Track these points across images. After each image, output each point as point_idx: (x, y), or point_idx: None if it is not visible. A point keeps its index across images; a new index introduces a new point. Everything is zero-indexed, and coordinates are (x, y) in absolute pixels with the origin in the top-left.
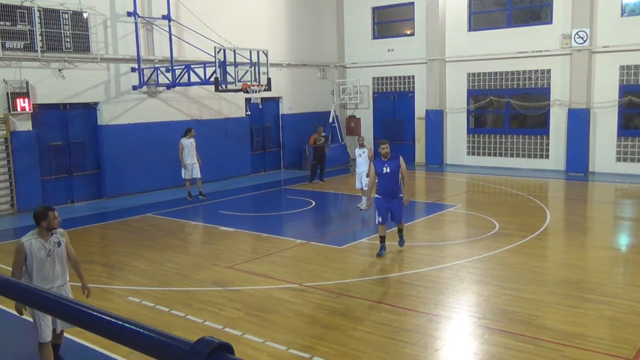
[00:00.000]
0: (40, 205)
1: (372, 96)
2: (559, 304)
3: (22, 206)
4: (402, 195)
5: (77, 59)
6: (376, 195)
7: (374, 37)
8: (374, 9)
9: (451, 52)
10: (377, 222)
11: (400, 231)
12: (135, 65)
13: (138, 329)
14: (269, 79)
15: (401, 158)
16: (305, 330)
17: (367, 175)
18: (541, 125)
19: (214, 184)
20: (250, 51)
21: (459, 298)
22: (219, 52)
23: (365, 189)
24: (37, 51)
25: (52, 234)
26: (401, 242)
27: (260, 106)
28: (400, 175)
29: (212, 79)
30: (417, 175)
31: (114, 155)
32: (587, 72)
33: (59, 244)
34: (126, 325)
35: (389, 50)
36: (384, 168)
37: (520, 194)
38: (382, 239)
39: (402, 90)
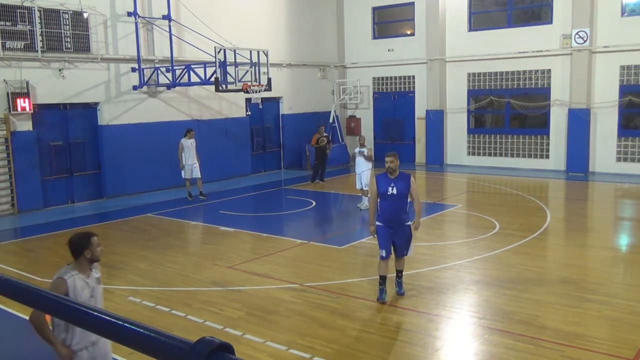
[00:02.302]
0: (79, 232)
1: (373, 96)
2: (559, 304)
3: (22, 206)
4: (409, 223)
5: (78, 59)
6: (377, 223)
7: (374, 37)
8: (374, 9)
9: (451, 52)
10: (379, 257)
11: (399, 274)
12: (136, 65)
13: (138, 329)
14: (269, 79)
15: (412, 178)
16: (305, 330)
17: (366, 190)
18: (541, 125)
19: (215, 184)
20: (251, 51)
21: (459, 298)
22: (219, 52)
23: (365, 188)
24: (37, 51)
25: (91, 268)
26: (399, 288)
27: (261, 106)
28: (409, 199)
29: (213, 79)
30: (417, 175)
31: (114, 155)
32: (587, 72)
33: (99, 280)
34: (126, 325)
35: (389, 50)
36: (390, 188)
37: (521, 194)
38: (383, 279)
39: (402, 90)
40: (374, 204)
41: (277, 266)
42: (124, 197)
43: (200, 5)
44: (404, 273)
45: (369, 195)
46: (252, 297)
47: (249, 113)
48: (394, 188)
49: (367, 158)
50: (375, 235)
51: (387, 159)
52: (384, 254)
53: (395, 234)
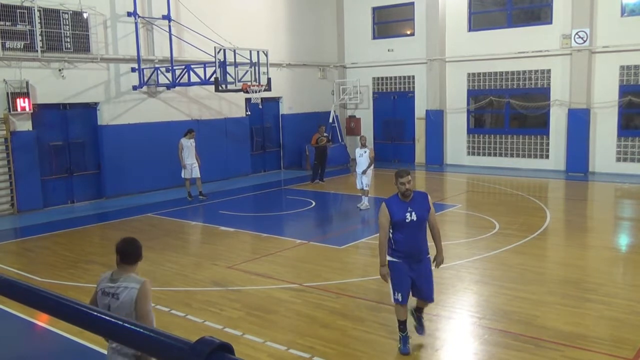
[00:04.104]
0: (128, 238)
1: (372, 96)
2: (559, 304)
3: (22, 206)
4: (430, 255)
5: (77, 59)
6: (391, 259)
7: (374, 37)
8: (374, 9)
9: (451, 52)
10: (394, 301)
11: (420, 310)
12: (135, 65)
13: (138, 329)
14: (269, 79)
15: (429, 197)
16: (305, 330)
17: (366, 190)
18: (541, 125)
19: (214, 184)
20: (250, 51)
21: (459, 298)
22: (219, 52)
23: (366, 188)
24: (37, 51)
25: None
26: (420, 327)
27: (260, 106)
28: (428, 224)
29: (212, 79)
30: (417, 175)
31: (114, 155)
32: (587, 72)
33: None
34: (126, 325)
35: (389, 50)
36: (408, 214)
37: (521, 194)
38: (404, 325)
39: (402, 90)
40: (384, 238)
41: (277, 266)
42: (124, 197)
43: (200, 5)
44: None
45: (368, 195)
46: (251, 297)
47: (249, 113)
48: (413, 213)
49: (369, 158)
50: (388, 277)
51: (401, 179)
52: (400, 298)
53: (415, 271)
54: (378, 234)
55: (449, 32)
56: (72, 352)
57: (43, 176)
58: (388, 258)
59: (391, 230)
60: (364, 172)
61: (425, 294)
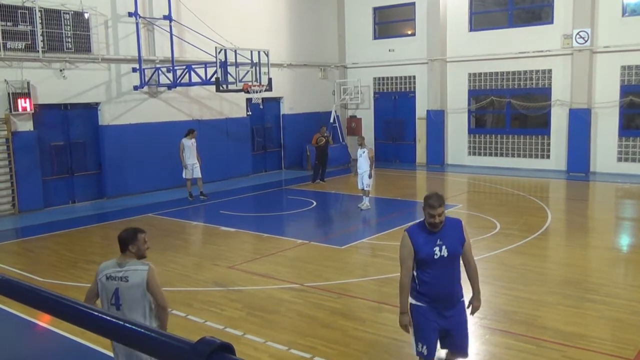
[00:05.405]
0: (128, 227)
1: (373, 96)
2: (560, 304)
3: (23, 206)
4: (464, 299)
5: (78, 59)
6: (415, 302)
7: (375, 37)
8: (375, 9)
9: (452, 52)
10: (417, 354)
11: None
12: (136, 66)
13: (139, 329)
14: (269, 79)
15: (464, 224)
16: (306, 330)
17: (367, 190)
18: (542, 125)
19: (215, 184)
20: (251, 51)
21: None
22: (219, 52)
23: (367, 189)
24: (38, 51)
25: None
26: None
27: (261, 106)
28: (461, 259)
29: (213, 79)
30: (418, 175)
31: (115, 155)
32: (588, 72)
33: None
34: (127, 325)
35: (390, 50)
36: (437, 248)
37: (521, 194)
38: None
39: (403, 90)
40: (406, 278)
41: (278, 266)
42: (125, 197)
43: (201, 5)
44: None
45: (369, 195)
46: (252, 297)
47: (250, 113)
48: (443, 247)
49: (369, 158)
50: (410, 327)
51: (431, 211)
52: (425, 352)
53: (447, 319)
54: (400, 273)
55: (450, 32)
56: (74, 352)
57: (44, 176)
58: (411, 301)
59: (415, 268)
60: (370, 176)
61: (458, 347)
